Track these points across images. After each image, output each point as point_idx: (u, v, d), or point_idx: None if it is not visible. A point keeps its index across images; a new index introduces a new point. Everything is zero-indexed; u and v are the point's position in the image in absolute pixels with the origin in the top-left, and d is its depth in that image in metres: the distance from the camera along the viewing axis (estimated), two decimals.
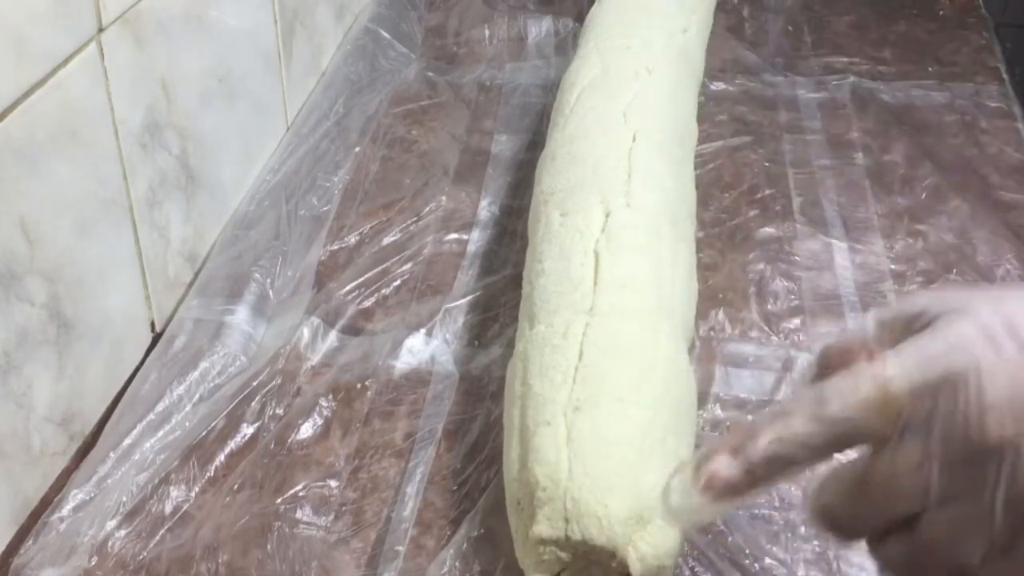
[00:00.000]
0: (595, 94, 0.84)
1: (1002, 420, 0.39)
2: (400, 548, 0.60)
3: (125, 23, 0.70)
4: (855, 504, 0.43)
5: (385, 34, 1.12)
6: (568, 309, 0.64)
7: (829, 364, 0.46)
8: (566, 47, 1.10)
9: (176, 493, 0.64)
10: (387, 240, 0.84)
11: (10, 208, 0.59)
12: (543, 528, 0.54)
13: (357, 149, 0.96)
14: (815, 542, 0.61)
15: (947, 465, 0.40)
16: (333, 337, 0.75)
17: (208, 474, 0.65)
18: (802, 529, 0.62)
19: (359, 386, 0.71)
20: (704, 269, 0.80)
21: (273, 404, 0.70)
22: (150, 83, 0.74)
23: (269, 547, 0.61)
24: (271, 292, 0.79)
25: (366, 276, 0.80)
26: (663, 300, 0.66)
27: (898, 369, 0.41)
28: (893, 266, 0.81)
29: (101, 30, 0.67)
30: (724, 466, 0.44)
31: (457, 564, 0.59)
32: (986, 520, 0.39)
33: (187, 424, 0.68)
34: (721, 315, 0.77)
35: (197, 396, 0.70)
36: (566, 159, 0.77)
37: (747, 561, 0.60)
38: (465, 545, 0.60)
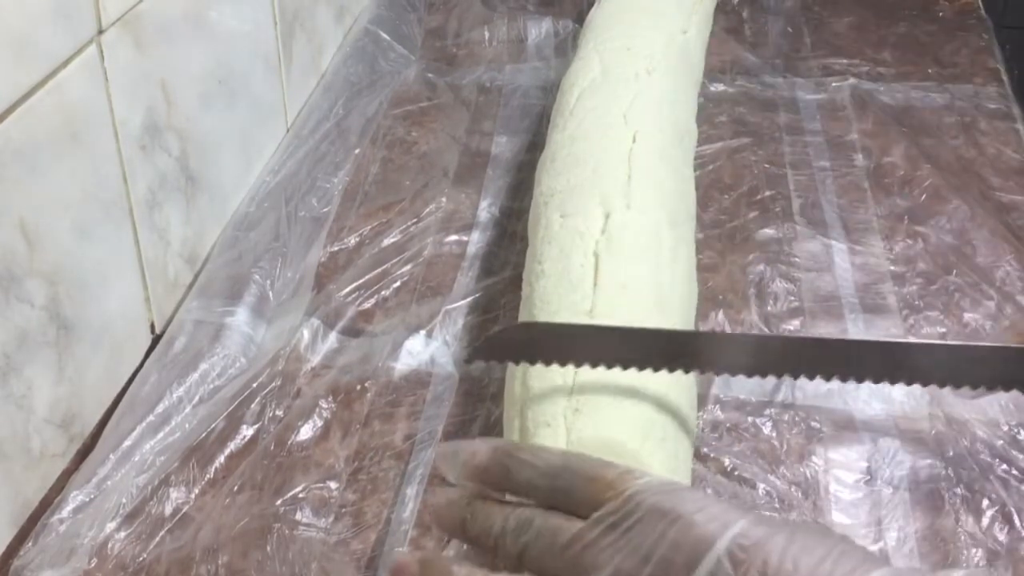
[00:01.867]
0: (595, 95, 0.84)
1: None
2: (400, 550, 0.60)
3: (125, 25, 0.70)
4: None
5: (385, 36, 1.12)
6: (568, 311, 0.64)
7: None
8: (566, 48, 1.10)
9: (176, 495, 0.64)
10: (387, 242, 0.84)
11: (10, 209, 0.59)
12: None
13: (357, 151, 0.96)
14: None
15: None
16: (333, 339, 0.75)
17: (208, 476, 0.65)
18: None
19: (359, 388, 0.71)
20: (704, 270, 0.80)
21: (273, 406, 0.70)
22: (150, 85, 0.74)
23: (269, 549, 0.61)
24: (271, 294, 0.79)
25: (366, 278, 0.80)
26: (663, 301, 0.66)
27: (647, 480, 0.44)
28: (893, 267, 0.81)
29: (101, 32, 0.67)
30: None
31: None
32: None
33: (187, 426, 0.68)
34: (721, 316, 0.77)
35: (197, 398, 0.70)
36: (566, 160, 0.77)
37: None
38: (465, 547, 0.60)
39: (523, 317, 0.68)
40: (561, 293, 0.65)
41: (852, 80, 1.04)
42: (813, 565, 0.39)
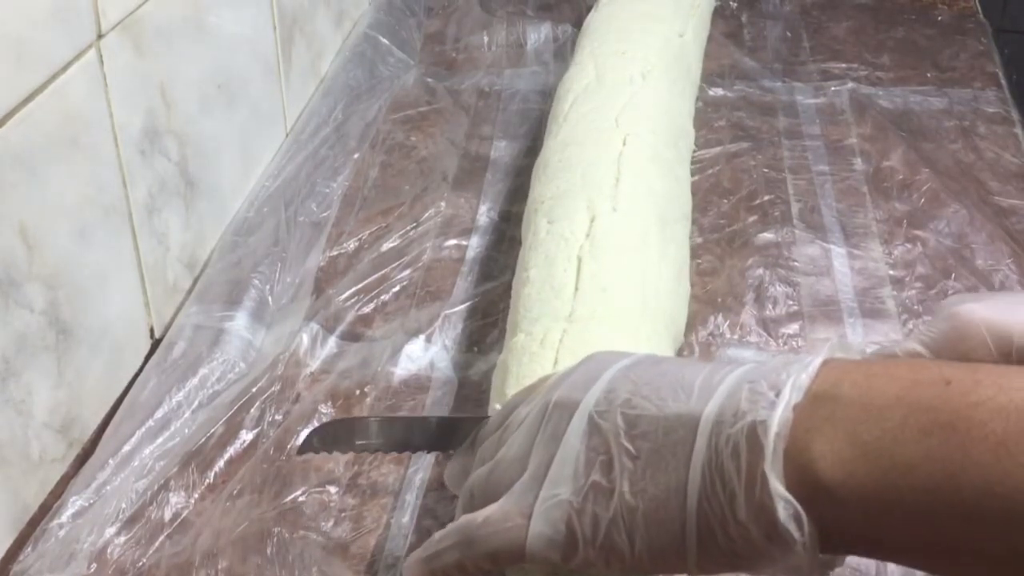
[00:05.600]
0: (588, 100, 0.84)
1: None
2: (399, 555, 0.60)
3: (124, 29, 0.70)
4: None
5: (384, 40, 1.12)
6: (548, 316, 0.64)
7: None
8: (565, 53, 1.10)
9: (175, 499, 0.64)
10: (386, 246, 0.84)
11: (10, 214, 0.59)
12: None
13: (356, 155, 0.96)
14: None
15: None
16: (332, 343, 0.75)
17: (207, 480, 0.65)
18: None
19: (358, 392, 0.71)
20: (703, 274, 0.80)
21: (272, 410, 0.70)
22: (149, 89, 0.74)
23: (268, 553, 0.61)
24: (270, 298, 0.79)
25: (365, 282, 0.80)
26: (647, 302, 0.65)
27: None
28: (892, 272, 0.81)
29: (100, 36, 0.67)
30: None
31: None
32: None
33: (186, 430, 0.68)
34: (720, 320, 0.77)
35: (196, 402, 0.70)
36: (558, 166, 0.77)
37: None
38: None
39: (509, 324, 0.68)
40: (543, 299, 0.65)
41: (851, 84, 1.04)
42: (658, 380, 0.45)
